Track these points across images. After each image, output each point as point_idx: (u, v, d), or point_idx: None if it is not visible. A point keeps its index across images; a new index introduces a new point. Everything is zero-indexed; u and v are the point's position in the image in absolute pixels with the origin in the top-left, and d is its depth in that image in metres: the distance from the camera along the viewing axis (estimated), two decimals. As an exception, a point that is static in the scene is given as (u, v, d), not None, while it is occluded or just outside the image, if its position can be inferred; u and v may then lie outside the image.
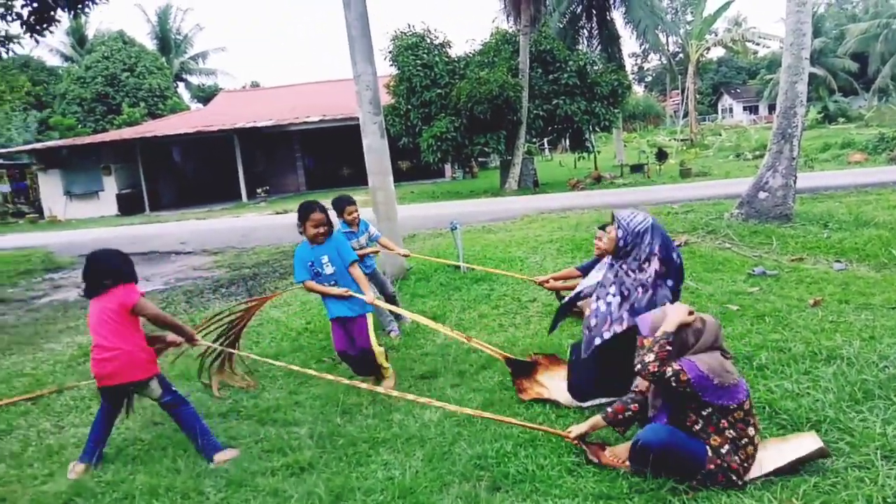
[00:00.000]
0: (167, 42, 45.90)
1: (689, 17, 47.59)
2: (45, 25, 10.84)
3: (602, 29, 25.42)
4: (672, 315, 3.18)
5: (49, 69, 41.62)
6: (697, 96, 40.68)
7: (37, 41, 11.19)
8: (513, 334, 5.74)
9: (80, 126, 35.14)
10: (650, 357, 3.05)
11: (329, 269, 4.58)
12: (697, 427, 3.07)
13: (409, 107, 20.72)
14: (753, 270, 7.02)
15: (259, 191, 26.66)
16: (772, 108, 56.10)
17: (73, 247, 15.35)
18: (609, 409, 3.39)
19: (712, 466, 3.02)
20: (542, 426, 3.69)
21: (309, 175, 30.10)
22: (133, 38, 38.95)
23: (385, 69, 21.80)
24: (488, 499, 3.09)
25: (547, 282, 6.11)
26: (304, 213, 4.56)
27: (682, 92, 41.60)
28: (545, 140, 35.79)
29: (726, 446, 3.04)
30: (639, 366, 3.08)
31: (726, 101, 67.27)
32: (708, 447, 3.04)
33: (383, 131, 8.00)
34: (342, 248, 4.63)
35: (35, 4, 10.56)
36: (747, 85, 64.76)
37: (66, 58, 43.16)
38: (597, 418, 3.43)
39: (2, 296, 10.48)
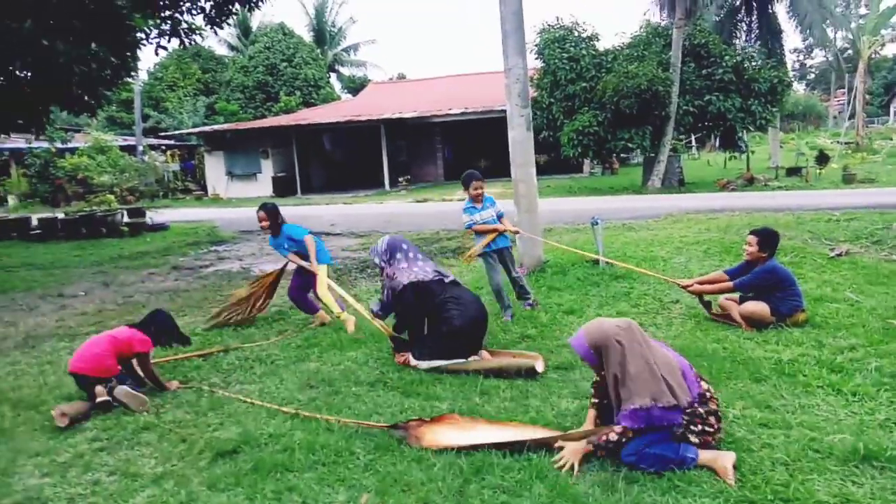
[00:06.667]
0: (322, 34, 48.30)
1: (862, 11, 43.36)
2: (223, 18, 11.82)
3: (763, 22, 24.00)
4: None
5: (217, 58, 45.03)
6: (867, 97, 37.13)
7: (216, 32, 12.20)
8: (653, 334, 5.59)
9: (241, 112, 37.86)
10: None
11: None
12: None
13: (552, 100, 20.58)
14: (926, 286, 6.43)
15: (401, 179, 27.61)
16: (957, 111, 50.31)
17: (235, 223, 16.72)
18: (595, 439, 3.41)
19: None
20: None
21: (448, 166, 30.73)
22: (292, 30, 41.20)
23: (530, 62, 21.82)
24: (626, 489, 3.12)
25: (691, 286, 5.95)
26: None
27: (849, 91, 38.09)
28: (693, 138, 34.22)
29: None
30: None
31: (901, 102, 60.92)
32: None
33: (529, 124, 8.09)
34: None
35: (216, -1, 11.57)
36: (928, 85, 58.34)
37: (232, 48, 46.57)
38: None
39: (175, 263, 11.65)
